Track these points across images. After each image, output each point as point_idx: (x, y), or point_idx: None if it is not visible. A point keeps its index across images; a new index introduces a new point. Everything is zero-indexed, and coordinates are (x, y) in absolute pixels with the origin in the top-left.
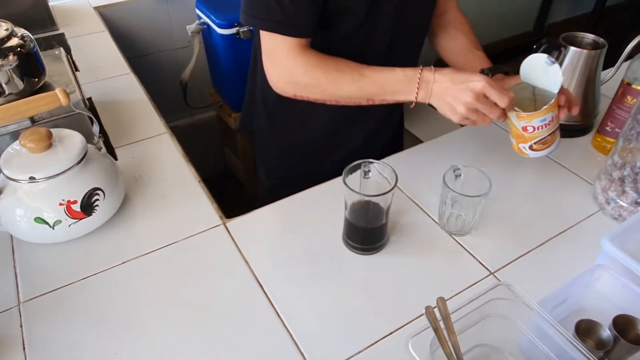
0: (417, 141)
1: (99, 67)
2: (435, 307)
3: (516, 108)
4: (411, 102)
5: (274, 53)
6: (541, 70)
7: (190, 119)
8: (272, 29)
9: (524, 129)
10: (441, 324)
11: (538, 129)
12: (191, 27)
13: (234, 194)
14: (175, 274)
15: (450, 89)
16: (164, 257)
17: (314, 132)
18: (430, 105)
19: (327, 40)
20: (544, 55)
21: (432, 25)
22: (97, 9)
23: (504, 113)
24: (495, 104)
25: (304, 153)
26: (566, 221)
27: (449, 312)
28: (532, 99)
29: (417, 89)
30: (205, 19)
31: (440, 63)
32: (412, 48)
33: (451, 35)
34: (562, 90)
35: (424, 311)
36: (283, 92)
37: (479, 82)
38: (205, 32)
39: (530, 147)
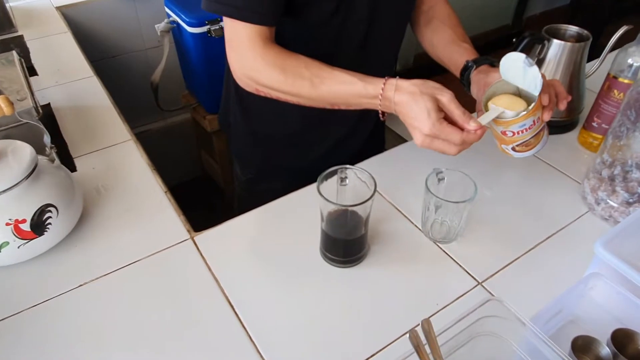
0: (399, 138)
1: (60, 70)
2: (418, 324)
3: (493, 105)
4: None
5: (234, 41)
6: (520, 71)
7: (164, 122)
8: (232, 15)
9: (503, 133)
10: (427, 347)
11: (518, 133)
12: (160, 26)
13: (213, 198)
14: (138, 296)
15: (407, 117)
16: (125, 278)
17: (290, 126)
18: None
19: (298, 30)
20: (522, 56)
21: (418, 19)
22: (59, 8)
23: (462, 148)
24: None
25: (279, 147)
26: (555, 224)
27: (434, 335)
28: (518, 93)
29: (380, 105)
30: (174, 17)
31: (424, 56)
32: (390, 40)
33: (436, 28)
34: (550, 84)
35: (408, 334)
36: (245, 86)
37: (426, 123)
38: (176, 31)
39: (513, 149)
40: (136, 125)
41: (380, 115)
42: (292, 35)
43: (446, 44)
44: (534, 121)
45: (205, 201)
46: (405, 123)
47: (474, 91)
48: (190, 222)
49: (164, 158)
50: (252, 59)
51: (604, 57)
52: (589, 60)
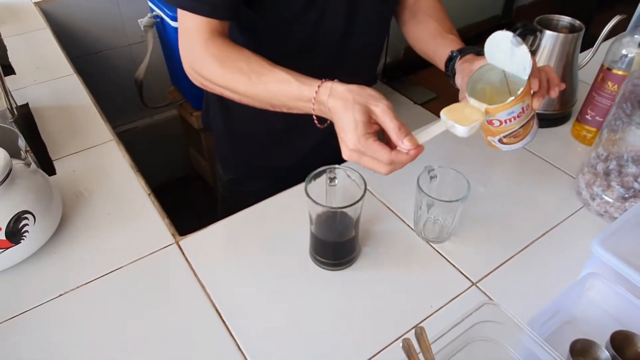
0: None
1: (39, 68)
2: (411, 329)
3: (472, 99)
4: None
5: (183, 32)
6: (507, 52)
7: (151, 119)
8: (182, 5)
9: (489, 122)
10: (421, 356)
11: (505, 122)
12: (143, 20)
13: (202, 197)
14: (122, 305)
15: (337, 126)
16: (108, 286)
17: (271, 124)
18: None
19: (272, 25)
20: (509, 34)
21: (403, 14)
22: (37, 4)
23: (393, 168)
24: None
25: (261, 146)
26: (549, 220)
27: (428, 343)
28: (503, 81)
29: (314, 110)
30: (158, 11)
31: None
32: (372, 35)
33: (421, 21)
34: (541, 69)
35: (401, 343)
36: (192, 79)
37: (351, 137)
38: (159, 26)
39: (500, 141)
40: (122, 123)
41: (316, 122)
42: (266, 31)
43: (431, 37)
44: (522, 108)
45: (194, 200)
46: (337, 133)
47: (458, 80)
48: (180, 222)
49: (151, 156)
50: (196, 50)
51: (597, 47)
52: (580, 51)
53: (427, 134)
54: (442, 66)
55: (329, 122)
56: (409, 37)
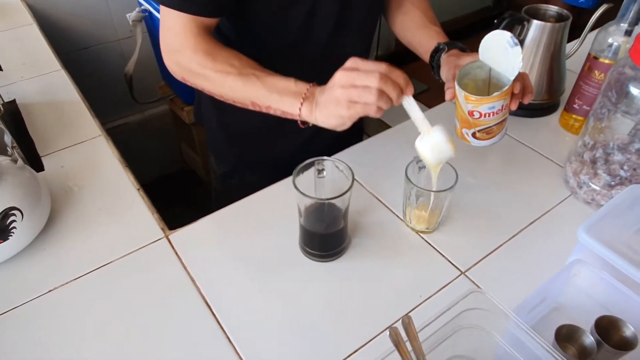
0: (382, 124)
1: (26, 64)
2: (399, 319)
3: (459, 88)
4: (296, 120)
5: (167, 28)
6: (501, 51)
7: (142, 114)
8: (171, 5)
9: (470, 113)
10: (408, 345)
11: (485, 116)
12: (132, 15)
13: (195, 191)
14: (111, 300)
15: (326, 90)
16: (97, 281)
17: (263, 116)
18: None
19: (260, 20)
20: (508, 34)
21: (390, 3)
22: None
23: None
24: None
25: (253, 139)
26: (537, 209)
27: (416, 331)
28: (486, 81)
29: (302, 100)
30: (146, 5)
31: (400, 44)
32: (363, 32)
33: (406, 11)
34: (519, 76)
35: (388, 331)
36: (173, 73)
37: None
38: (148, 20)
39: (474, 135)
40: (113, 119)
41: (299, 123)
42: (256, 26)
43: (417, 27)
44: (502, 106)
45: (187, 194)
46: (328, 101)
47: (444, 72)
48: (172, 216)
49: (143, 152)
50: (184, 44)
51: (584, 37)
52: (568, 41)
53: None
54: (426, 57)
55: (311, 124)
56: (395, 26)
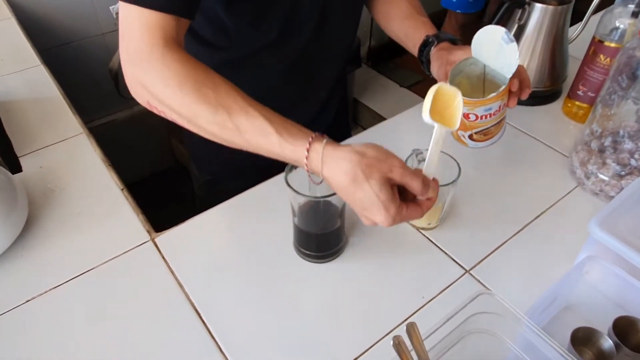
0: (377, 116)
1: (3, 60)
2: (401, 324)
3: (435, 124)
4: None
5: (128, 34)
6: (495, 47)
7: (130, 111)
8: None
9: (466, 116)
10: (413, 354)
11: (481, 118)
12: (115, 7)
13: (187, 188)
14: (95, 308)
15: (351, 202)
16: (79, 289)
17: None
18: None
19: (244, 13)
20: (502, 30)
21: None
22: None
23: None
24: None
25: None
26: (543, 202)
27: (421, 339)
28: (481, 77)
29: (306, 164)
30: None
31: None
32: (346, 24)
33: (391, 1)
34: (516, 71)
35: (392, 340)
36: (136, 96)
37: (386, 218)
38: None
39: (470, 137)
40: (99, 116)
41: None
42: (240, 19)
43: (402, 17)
44: (500, 107)
45: (179, 191)
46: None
47: (435, 68)
48: (166, 215)
49: (132, 149)
50: (146, 58)
51: (587, 20)
52: (570, 25)
53: (431, 162)
54: (414, 50)
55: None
56: (378, 15)
